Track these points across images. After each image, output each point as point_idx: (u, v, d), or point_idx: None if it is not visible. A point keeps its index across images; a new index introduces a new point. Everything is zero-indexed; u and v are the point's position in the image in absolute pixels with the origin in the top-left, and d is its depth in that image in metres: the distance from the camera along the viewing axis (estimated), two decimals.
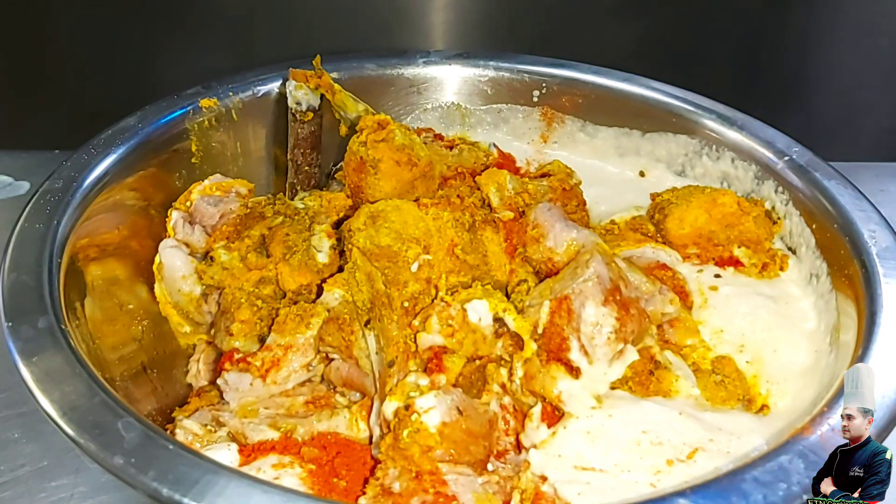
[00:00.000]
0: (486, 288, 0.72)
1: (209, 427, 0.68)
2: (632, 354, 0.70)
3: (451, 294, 0.70)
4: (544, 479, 0.63)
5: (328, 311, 0.72)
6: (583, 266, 0.71)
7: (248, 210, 0.83)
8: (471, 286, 0.72)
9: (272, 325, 0.73)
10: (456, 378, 0.68)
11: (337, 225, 0.80)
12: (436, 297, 0.70)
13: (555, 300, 0.69)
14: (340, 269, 0.75)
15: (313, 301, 0.75)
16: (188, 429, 0.68)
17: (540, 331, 0.69)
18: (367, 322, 0.71)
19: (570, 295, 0.69)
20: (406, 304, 0.70)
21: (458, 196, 0.78)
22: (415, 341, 0.68)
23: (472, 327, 0.69)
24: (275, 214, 0.82)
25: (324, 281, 0.74)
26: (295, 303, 0.75)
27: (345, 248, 0.74)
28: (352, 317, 0.72)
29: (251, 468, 0.64)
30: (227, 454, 0.64)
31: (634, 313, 0.71)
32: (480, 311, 0.69)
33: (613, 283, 0.70)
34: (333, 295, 0.72)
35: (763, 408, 0.72)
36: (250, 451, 0.67)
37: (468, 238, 0.75)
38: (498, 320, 0.69)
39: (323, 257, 0.77)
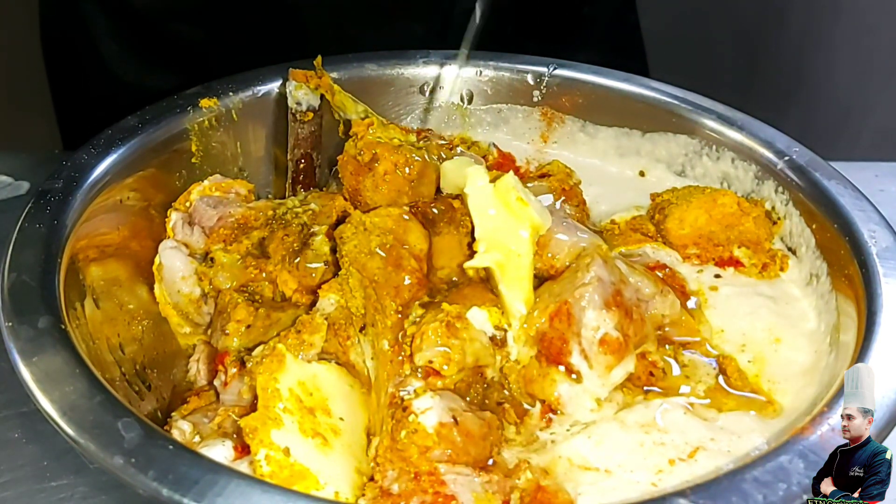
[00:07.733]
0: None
1: (206, 427, 0.68)
2: (632, 358, 0.70)
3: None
4: (546, 473, 0.63)
5: (325, 318, 0.72)
6: (583, 270, 0.71)
7: (245, 221, 0.82)
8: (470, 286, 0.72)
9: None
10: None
11: (336, 225, 0.80)
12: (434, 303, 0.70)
13: (554, 304, 0.69)
14: (336, 273, 0.75)
15: (311, 303, 0.74)
16: (184, 429, 0.67)
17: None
18: (363, 328, 0.71)
19: (570, 299, 0.69)
20: (399, 308, 0.70)
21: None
22: (410, 346, 0.68)
23: (471, 335, 0.68)
24: (273, 221, 0.81)
25: (319, 286, 0.74)
26: (294, 305, 0.75)
27: (338, 254, 0.74)
28: (347, 322, 0.71)
29: (244, 461, 0.64)
30: (221, 450, 0.64)
31: (637, 318, 0.71)
32: (479, 321, 0.69)
33: (615, 287, 0.70)
34: (329, 300, 0.72)
35: None
36: (244, 447, 0.66)
37: (466, 241, 0.75)
38: (497, 330, 0.69)
39: (320, 261, 0.76)
